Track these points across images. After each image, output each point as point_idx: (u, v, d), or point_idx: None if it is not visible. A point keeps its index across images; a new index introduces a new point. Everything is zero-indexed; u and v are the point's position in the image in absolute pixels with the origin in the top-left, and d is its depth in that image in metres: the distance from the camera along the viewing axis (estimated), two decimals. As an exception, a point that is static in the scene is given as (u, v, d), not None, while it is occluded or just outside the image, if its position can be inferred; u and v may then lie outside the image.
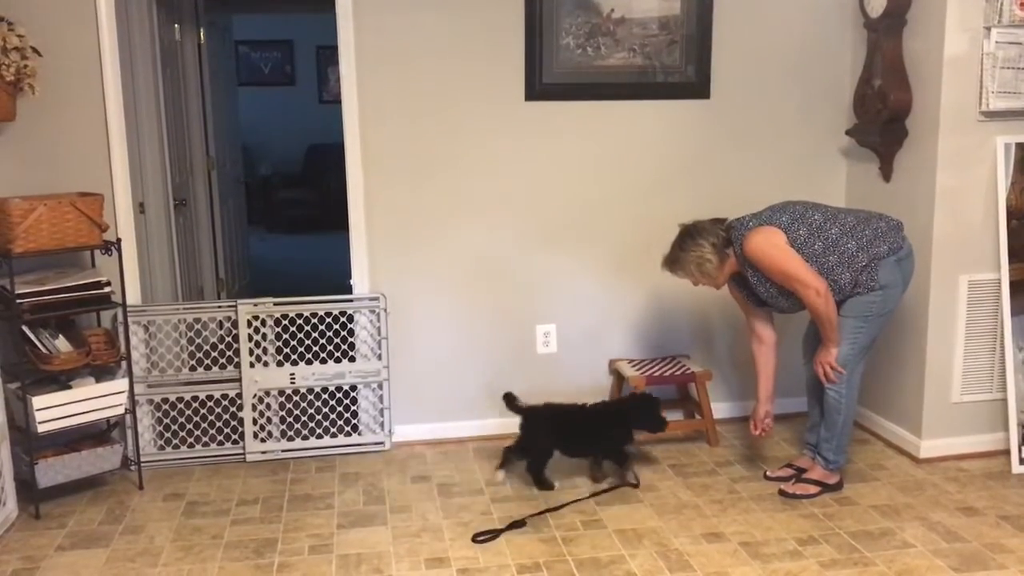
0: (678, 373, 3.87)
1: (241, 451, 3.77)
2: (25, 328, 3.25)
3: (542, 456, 3.48)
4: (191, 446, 3.77)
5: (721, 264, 3.25)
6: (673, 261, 3.30)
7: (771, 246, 3.13)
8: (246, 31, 9.53)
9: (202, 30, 5.46)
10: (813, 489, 3.35)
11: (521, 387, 4.00)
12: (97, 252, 3.47)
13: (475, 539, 3.06)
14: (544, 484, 3.45)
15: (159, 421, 3.82)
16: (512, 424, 4.03)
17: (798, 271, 3.10)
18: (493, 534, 3.08)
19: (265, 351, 3.75)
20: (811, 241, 3.13)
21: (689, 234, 3.27)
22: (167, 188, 4.65)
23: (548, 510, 3.25)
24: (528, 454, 3.49)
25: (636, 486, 3.45)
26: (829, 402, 3.29)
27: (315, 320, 3.79)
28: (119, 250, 3.41)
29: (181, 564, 2.92)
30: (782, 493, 3.37)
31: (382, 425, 3.89)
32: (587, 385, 4.05)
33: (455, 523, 3.19)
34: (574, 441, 3.50)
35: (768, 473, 3.52)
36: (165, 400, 3.77)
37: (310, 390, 3.89)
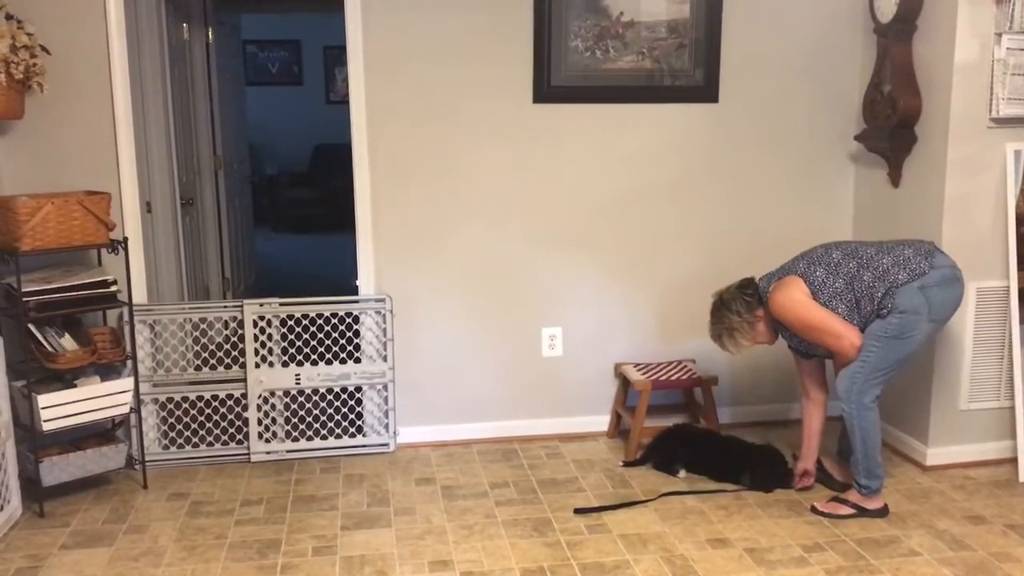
0: (684, 378, 3.86)
1: (246, 451, 3.77)
2: (31, 326, 3.26)
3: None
4: (196, 446, 3.78)
5: (753, 328, 3.27)
6: (714, 336, 3.36)
7: (793, 302, 3.13)
8: (254, 31, 9.55)
9: (210, 29, 5.47)
10: (844, 510, 3.23)
11: (526, 390, 4.01)
12: (104, 251, 3.48)
13: (576, 511, 3.28)
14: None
15: (164, 420, 3.81)
16: (517, 427, 4.04)
17: (826, 323, 3.10)
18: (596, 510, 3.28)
19: (271, 351, 3.75)
20: (831, 280, 3.10)
21: (717, 307, 3.34)
22: (174, 187, 4.65)
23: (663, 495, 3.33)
24: None
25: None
26: (844, 419, 3.21)
27: (321, 321, 3.79)
28: (126, 249, 3.41)
29: (184, 564, 2.91)
30: (813, 509, 3.27)
31: (387, 427, 3.88)
32: (592, 389, 4.05)
33: (459, 525, 3.18)
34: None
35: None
36: (170, 399, 3.76)
37: (315, 391, 3.89)
